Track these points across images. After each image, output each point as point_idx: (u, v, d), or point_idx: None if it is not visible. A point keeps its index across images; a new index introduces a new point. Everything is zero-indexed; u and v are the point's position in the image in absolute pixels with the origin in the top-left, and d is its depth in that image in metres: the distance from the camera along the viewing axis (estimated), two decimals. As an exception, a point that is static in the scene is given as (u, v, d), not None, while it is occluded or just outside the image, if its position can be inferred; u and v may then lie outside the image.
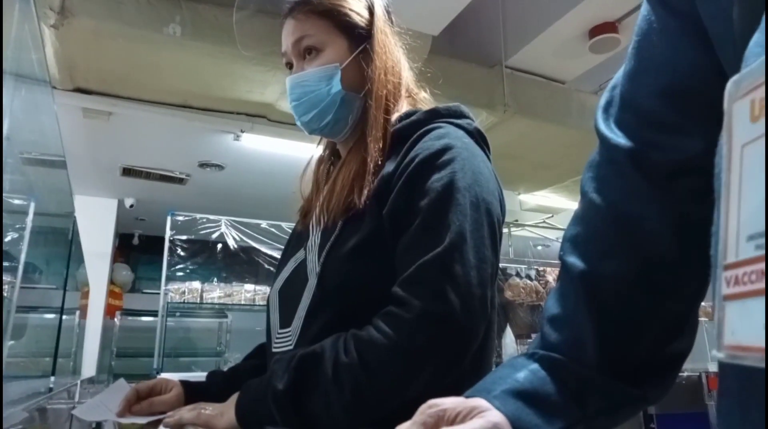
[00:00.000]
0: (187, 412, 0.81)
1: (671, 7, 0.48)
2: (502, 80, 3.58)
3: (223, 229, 4.24)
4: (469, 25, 3.68)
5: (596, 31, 3.25)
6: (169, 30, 2.78)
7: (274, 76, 3.11)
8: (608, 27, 3.22)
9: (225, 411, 0.79)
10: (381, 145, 0.84)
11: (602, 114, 0.55)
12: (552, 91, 3.87)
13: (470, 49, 3.70)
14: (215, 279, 6.05)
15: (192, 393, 0.94)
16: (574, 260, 0.55)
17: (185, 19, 2.83)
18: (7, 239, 1.69)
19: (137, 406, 0.91)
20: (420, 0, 2.69)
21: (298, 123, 0.92)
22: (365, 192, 0.80)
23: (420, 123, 0.84)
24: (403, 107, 0.89)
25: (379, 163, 0.83)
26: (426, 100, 0.94)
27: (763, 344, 0.23)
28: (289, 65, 0.92)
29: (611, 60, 3.50)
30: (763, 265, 0.24)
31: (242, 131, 3.67)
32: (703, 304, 0.55)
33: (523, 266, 4.30)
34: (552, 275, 4.30)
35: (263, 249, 4.27)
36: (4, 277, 1.73)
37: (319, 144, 1.04)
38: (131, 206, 5.42)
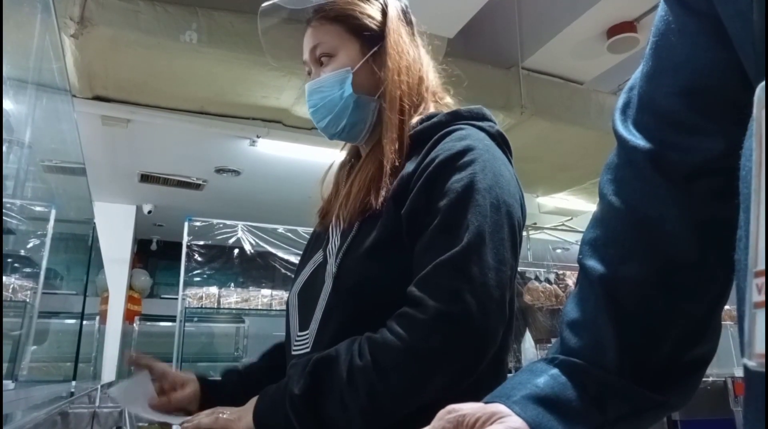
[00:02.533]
0: (205, 417, 0.82)
1: (689, 7, 0.47)
2: (519, 82, 3.56)
3: (240, 234, 4.26)
4: (485, 27, 3.66)
5: (614, 30, 3.23)
6: (186, 37, 2.82)
7: (290, 81, 3.13)
8: (626, 26, 3.19)
9: (243, 416, 0.79)
10: (397, 147, 0.84)
11: (620, 115, 0.55)
12: (570, 92, 3.84)
13: (486, 50, 3.69)
14: (232, 284, 6.09)
15: (207, 389, 0.95)
16: (593, 263, 0.54)
17: (201, 27, 2.86)
18: (28, 246, 1.71)
19: (158, 402, 0.93)
20: (435, 2, 2.69)
21: (318, 129, 0.94)
22: (382, 193, 0.80)
23: (441, 125, 0.83)
24: (429, 109, 0.89)
25: (397, 164, 0.82)
26: (450, 106, 0.93)
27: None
28: (310, 74, 0.94)
29: (630, 60, 3.46)
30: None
31: (258, 137, 3.70)
32: (727, 307, 0.53)
33: (542, 270, 4.26)
34: (572, 279, 4.25)
35: (280, 254, 4.28)
36: (26, 283, 1.75)
37: (342, 149, 1.04)
38: (149, 212, 5.48)
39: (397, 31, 0.90)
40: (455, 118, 0.84)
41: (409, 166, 0.81)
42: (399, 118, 0.85)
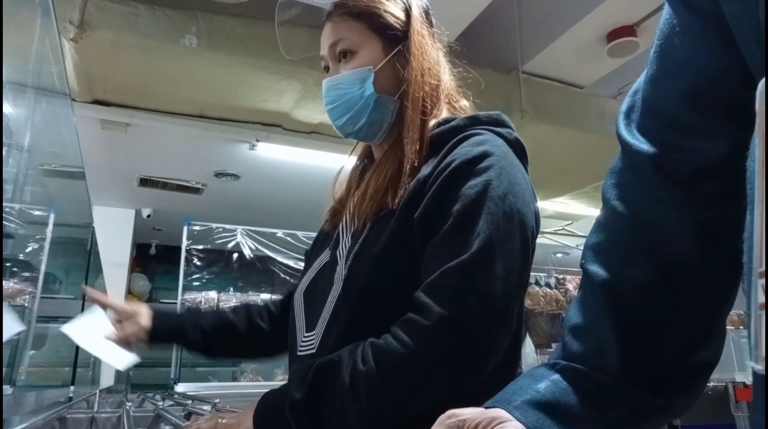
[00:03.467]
0: (204, 422, 0.82)
1: (694, 9, 0.47)
2: (519, 86, 3.57)
3: (239, 238, 4.26)
4: (485, 31, 3.67)
5: (614, 34, 3.23)
6: (186, 41, 2.82)
7: (289, 85, 3.14)
8: (627, 30, 3.20)
9: (243, 420, 0.78)
10: (418, 147, 0.83)
11: (624, 119, 0.55)
12: (570, 96, 3.84)
13: (486, 54, 3.69)
14: (231, 288, 6.08)
15: (157, 323, 1.02)
16: (595, 268, 0.54)
17: (201, 30, 2.87)
18: (27, 250, 1.71)
19: (113, 334, 1.01)
20: (435, 6, 2.68)
21: (334, 127, 0.92)
22: (399, 193, 0.80)
23: (459, 129, 0.82)
24: (443, 113, 0.88)
25: (416, 164, 0.81)
26: (465, 109, 0.92)
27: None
28: (327, 69, 0.93)
29: (630, 64, 3.47)
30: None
31: (258, 140, 3.70)
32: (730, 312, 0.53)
33: (542, 274, 4.25)
34: (572, 283, 4.25)
35: (279, 258, 4.28)
36: (24, 288, 1.75)
37: (352, 152, 1.03)
38: (148, 216, 5.48)
39: (420, 32, 0.89)
40: (473, 122, 0.83)
41: (425, 170, 0.80)
42: (421, 119, 0.85)
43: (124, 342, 1.01)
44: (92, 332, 0.99)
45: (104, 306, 1.05)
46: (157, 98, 3.36)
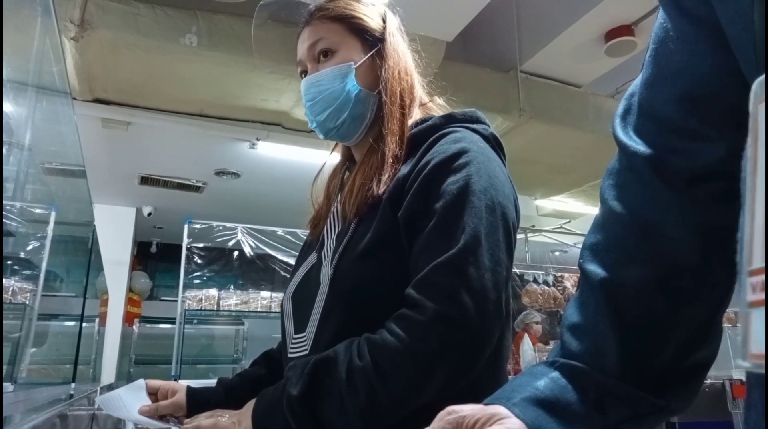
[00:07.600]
0: (204, 419, 0.82)
1: (688, 13, 0.47)
2: (518, 85, 3.57)
3: (240, 236, 4.26)
4: (484, 30, 3.67)
5: (612, 34, 3.24)
6: (186, 40, 2.82)
7: (289, 84, 3.14)
8: (624, 30, 3.20)
9: (242, 418, 0.79)
10: (398, 138, 0.85)
11: (620, 122, 0.55)
12: (568, 95, 3.84)
13: (485, 54, 3.70)
14: (231, 286, 6.09)
15: (192, 400, 0.98)
16: (594, 268, 0.54)
17: (201, 30, 2.87)
18: (28, 248, 1.71)
19: (146, 409, 0.96)
20: (434, 6, 2.70)
21: (313, 124, 0.92)
22: (384, 179, 0.81)
23: (436, 127, 0.84)
24: (416, 114, 0.90)
25: (398, 154, 0.83)
26: (440, 106, 0.95)
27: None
28: (303, 74, 0.94)
29: (628, 63, 3.47)
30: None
31: (258, 139, 3.70)
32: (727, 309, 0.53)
33: (540, 272, 4.25)
34: (570, 281, 4.25)
35: (279, 256, 4.28)
36: (26, 286, 1.75)
37: (333, 151, 1.04)
38: (149, 214, 5.48)
39: (396, 36, 0.93)
40: (450, 121, 0.85)
41: (404, 169, 0.81)
42: (400, 112, 0.87)
43: (158, 417, 0.97)
44: (127, 404, 0.97)
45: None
46: (158, 97, 3.36)
